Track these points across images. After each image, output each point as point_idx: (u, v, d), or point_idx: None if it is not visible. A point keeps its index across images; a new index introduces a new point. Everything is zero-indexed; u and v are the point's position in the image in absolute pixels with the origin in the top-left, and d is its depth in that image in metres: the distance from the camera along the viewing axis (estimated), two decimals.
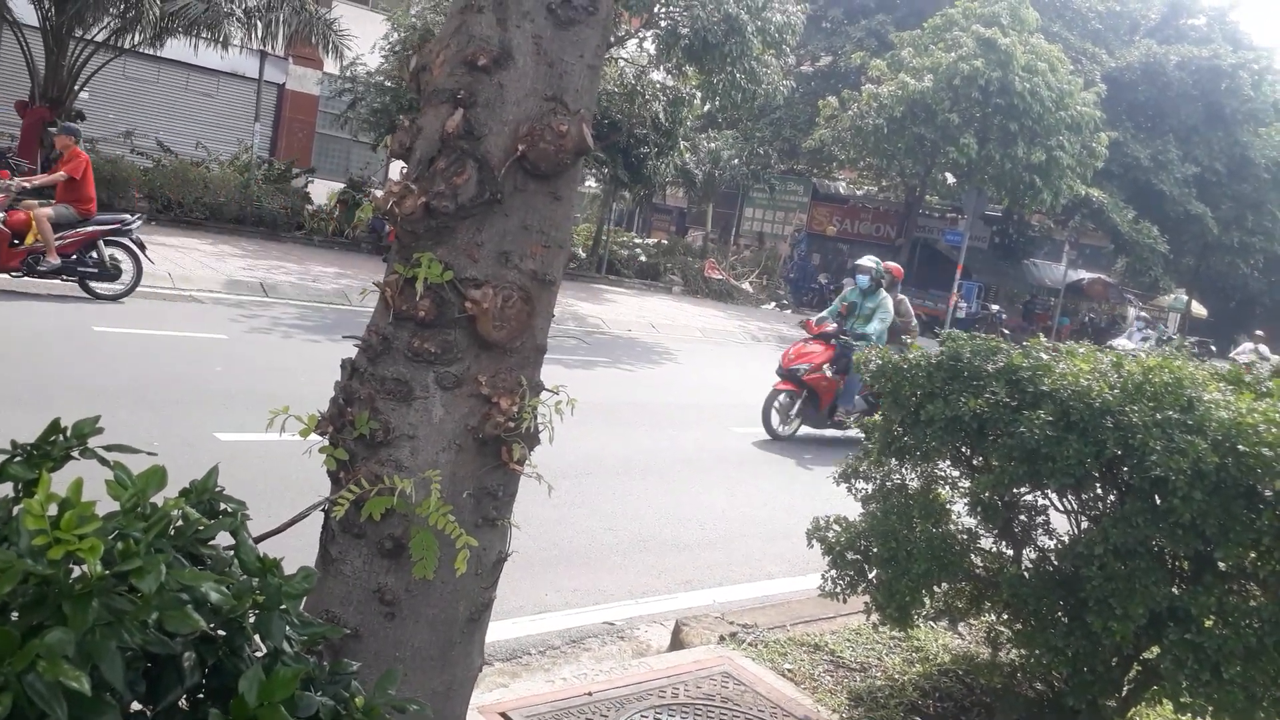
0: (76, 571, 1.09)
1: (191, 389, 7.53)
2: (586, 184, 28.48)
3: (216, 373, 8.30)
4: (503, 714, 3.46)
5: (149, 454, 1.37)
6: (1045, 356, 3.71)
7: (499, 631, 4.43)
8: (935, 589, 3.87)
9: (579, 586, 5.16)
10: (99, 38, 17.32)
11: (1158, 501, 3.21)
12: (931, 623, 4.20)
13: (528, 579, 5.06)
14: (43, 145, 17.15)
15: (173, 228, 17.26)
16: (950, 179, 25.94)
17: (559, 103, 2.10)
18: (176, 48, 18.56)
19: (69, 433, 1.28)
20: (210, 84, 23.40)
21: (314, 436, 2.20)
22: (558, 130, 2.08)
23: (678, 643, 4.47)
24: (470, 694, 2.39)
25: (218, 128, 23.28)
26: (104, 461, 1.27)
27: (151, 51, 18.54)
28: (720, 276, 27.64)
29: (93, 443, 1.29)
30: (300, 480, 4.51)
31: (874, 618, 3.93)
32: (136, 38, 17.64)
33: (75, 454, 1.29)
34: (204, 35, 17.75)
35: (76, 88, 17.77)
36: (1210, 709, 3.09)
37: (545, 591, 5.00)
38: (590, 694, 3.70)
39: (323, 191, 21.54)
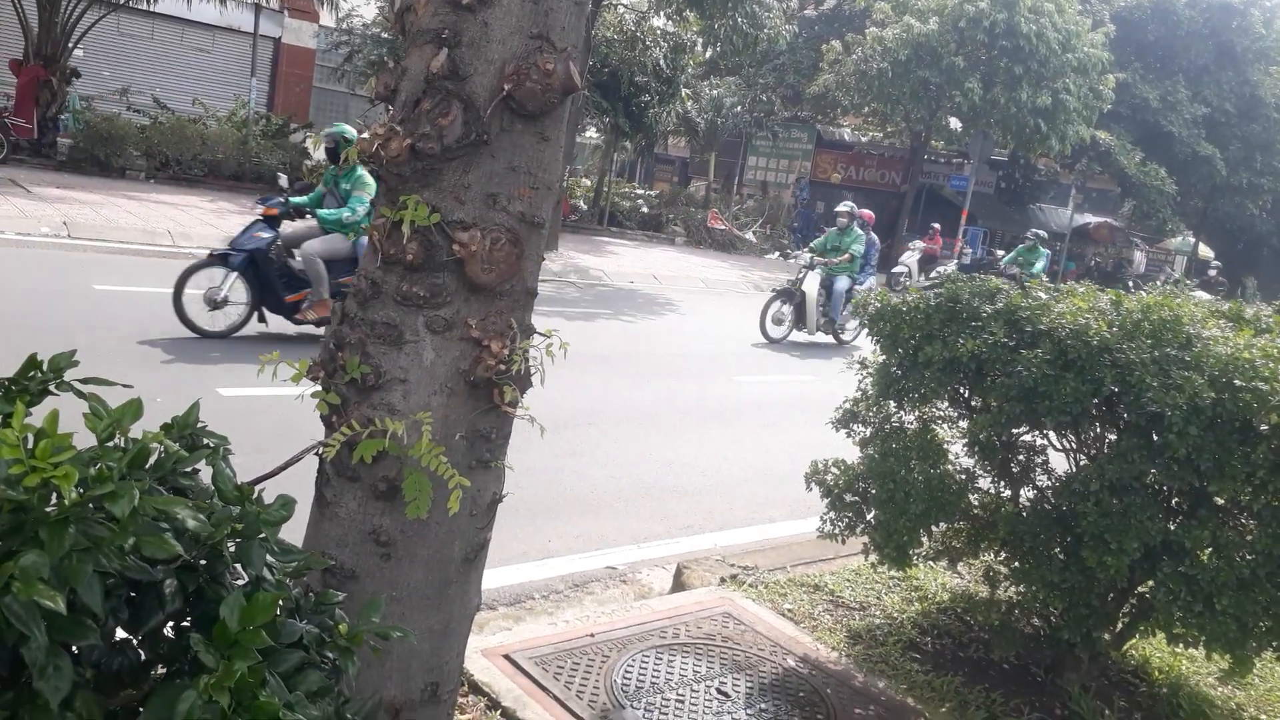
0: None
1: (194, 346, 7.56)
2: (587, 134, 28.28)
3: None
4: (506, 655, 3.51)
5: (124, 386, 1.38)
6: (1044, 296, 3.71)
7: (503, 576, 4.49)
8: (933, 529, 3.89)
9: (582, 532, 5.21)
10: None
11: (1154, 438, 3.22)
12: (930, 562, 4.24)
13: (531, 525, 5.11)
14: (38, 104, 17.05)
15: (171, 185, 17.20)
16: (955, 124, 25.64)
17: (545, 40, 2.07)
18: (170, 3, 18.36)
19: (46, 367, 1.29)
20: (205, 39, 23.15)
21: (309, 384, 2.21)
22: (544, 69, 2.05)
23: (679, 585, 4.52)
24: (468, 632, 2.42)
25: (214, 84, 23.07)
26: (80, 394, 1.28)
27: (146, 7, 18.33)
28: (723, 227, 27.48)
29: (69, 376, 1.30)
30: (304, 433, 4.55)
31: (872, 558, 3.97)
32: None
33: (52, 388, 1.30)
34: None
35: (71, 45, 17.62)
36: (1203, 639, 3.13)
37: (549, 538, 5.06)
38: (593, 635, 3.75)
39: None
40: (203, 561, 1.25)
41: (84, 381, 1.31)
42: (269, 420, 5.88)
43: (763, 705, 3.42)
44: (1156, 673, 4.06)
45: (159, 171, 17.62)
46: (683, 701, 3.37)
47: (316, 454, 2.17)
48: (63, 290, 8.86)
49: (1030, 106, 22.20)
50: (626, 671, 3.51)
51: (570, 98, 2.17)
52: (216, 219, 14.26)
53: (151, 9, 18.61)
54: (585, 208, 25.67)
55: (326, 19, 21.18)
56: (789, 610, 4.22)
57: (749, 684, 3.54)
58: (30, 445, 1.09)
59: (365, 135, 2.11)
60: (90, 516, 1.09)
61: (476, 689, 3.26)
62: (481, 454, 2.22)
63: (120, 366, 6.49)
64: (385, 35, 19.42)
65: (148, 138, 17.76)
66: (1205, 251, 36.65)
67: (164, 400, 5.80)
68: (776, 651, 3.82)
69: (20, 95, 17.01)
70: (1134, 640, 3.91)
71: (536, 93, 2.05)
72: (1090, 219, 33.25)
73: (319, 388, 2.19)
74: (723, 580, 4.45)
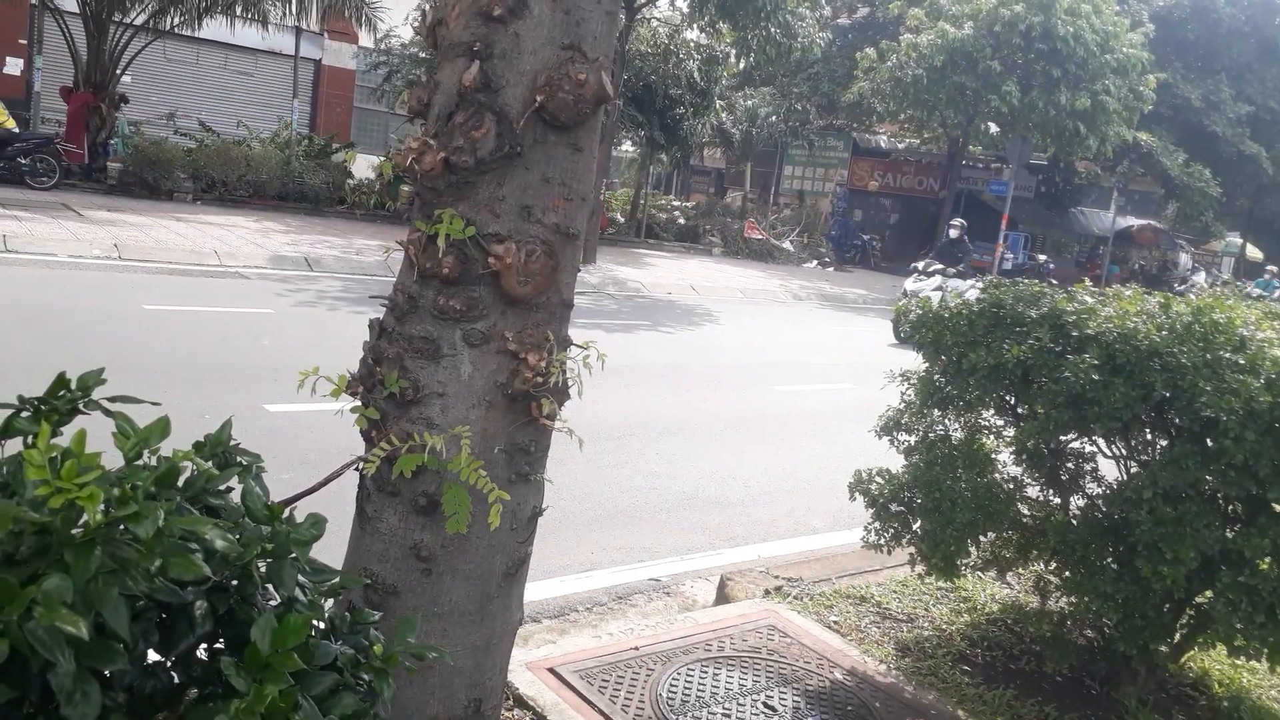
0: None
1: (240, 363, 7.65)
2: (623, 147, 28.39)
3: (264, 347, 8.42)
4: (551, 669, 3.49)
5: (152, 404, 1.38)
6: (1090, 300, 3.63)
7: (546, 590, 4.47)
8: (981, 538, 3.82)
9: (625, 544, 5.18)
10: (138, 21, 17.50)
11: (1208, 443, 3.13)
12: (978, 573, 4.15)
13: (574, 538, 5.09)
14: (88, 130, 17.44)
15: (217, 206, 17.50)
16: (993, 128, 25.37)
17: (577, 51, 2.07)
18: (214, 28, 18.73)
19: (74, 386, 1.28)
20: (248, 63, 23.60)
21: (350, 399, 2.22)
22: (576, 79, 2.04)
23: (723, 597, 4.47)
24: (510, 647, 2.40)
25: (257, 106, 23.50)
26: (108, 413, 1.27)
27: (190, 33, 18.70)
28: (760, 236, 27.41)
29: (98, 395, 1.30)
30: (350, 448, 4.59)
31: (919, 569, 3.89)
32: (176, 19, 17.81)
33: (81, 407, 1.30)
34: (241, 15, 17.88)
35: (119, 72, 18.01)
36: (1265, 651, 3.03)
37: (591, 550, 5.03)
38: (637, 648, 3.71)
39: (363, 165, 21.64)
40: (234, 582, 1.23)
41: (112, 400, 1.31)
42: (316, 436, 5.93)
43: (810, 719, 3.36)
44: (1217, 686, 3.94)
45: (205, 193, 17.93)
46: (729, 715, 3.32)
47: (357, 469, 2.17)
48: (114, 310, 9.02)
49: (1069, 109, 21.92)
50: (672, 685, 3.47)
51: (603, 108, 2.16)
52: (262, 239, 14.47)
53: (196, 35, 18.99)
54: (622, 220, 25.74)
55: (365, 40, 21.46)
56: (835, 622, 4.16)
57: (796, 697, 3.48)
58: (57, 466, 1.08)
59: (400, 150, 2.11)
60: (118, 538, 1.08)
61: (521, 703, 3.24)
62: (521, 467, 2.21)
63: (168, 385, 6.58)
64: (423, 55, 19.64)
65: (194, 160, 18.10)
66: (1254, 252, 35.92)
67: (210, 417, 5.89)
68: (823, 664, 3.76)
69: (71, 121, 17.42)
70: (1192, 652, 3.80)
71: (569, 103, 2.04)
72: (1133, 222, 32.69)
73: (358, 403, 2.19)
74: (767, 592, 4.40)
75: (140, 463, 1.22)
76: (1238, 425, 2.94)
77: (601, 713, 3.23)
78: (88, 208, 14.52)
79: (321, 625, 1.38)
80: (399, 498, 2.14)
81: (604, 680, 3.45)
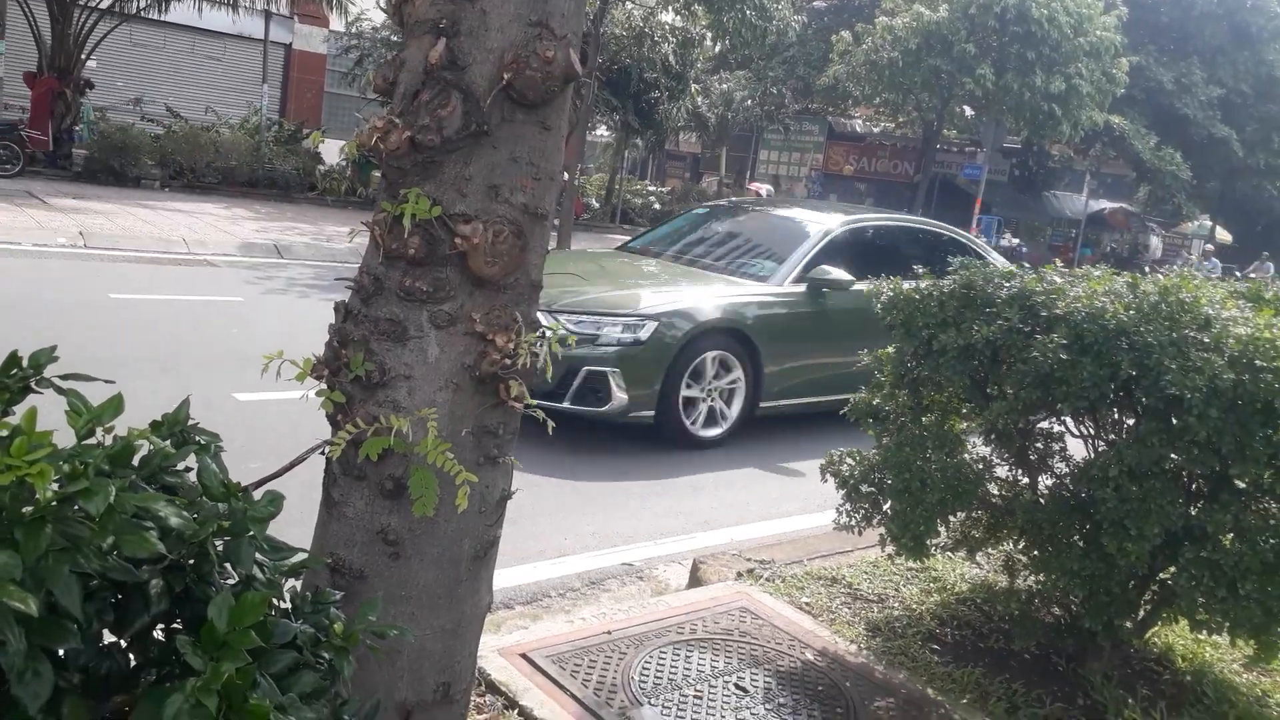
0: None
1: (209, 352, 7.58)
2: (598, 132, 28.30)
3: (233, 335, 8.34)
4: (524, 655, 3.49)
5: (106, 382, 1.37)
6: (1059, 280, 3.66)
7: (519, 576, 4.47)
8: (951, 518, 3.85)
9: (597, 530, 5.19)
10: (104, 4, 17.24)
11: (1173, 421, 3.16)
12: (948, 553, 4.19)
13: (546, 524, 5.09)
14: (53, 116, 17.18)
15: (186, 193, 17.31)
16: (968, 112, 25.47)
17: (545, 28, 2.05)
18: (182, 11, 18.48)
19: (25, 363, 1.27)
20: (217, 47, 23.32)
21: (317, 384, 2.20)
22: (544, 57, 2.03)
23: (696, 580, 4.49)
24: (480, 631, 2.40)
25: (226, 91, 23.25)
26: (60, 391, 1.26)
27: (157, 16, 18.46)
28: None
29: (50, 373, 1.28)
30: (320, 435, 4.54)
31: (889, 549, 3.92)
32: (142, 2, 17.56)
33: (33, 385, 1.28)
34: None
35: (84, 57, 17.74)
36: (1226, 624, 3.07)
37: (564, 536, 5.03)
38: (610, 632, 3.72)
39: (334, 151, 21.41)
40: (190, 561, 1.23)
41: (65, 378, 1.30)
42: (286, 424, 5.89)
43: (781, 700, 3.38)
44: (1180, 660, 4.00)
45: (173, 180, 17.73)
46: (701, 697, 3.34)
47: (322, 453, 2.16)
48: (80, 300, 8.91)
49: (1044, 92, 22.01)
50: (644, 668, 3.48)
51: (571, 86, 2.15)
52: (231, 226, 14.33)
53: (163, 18, 18.74)
54: (598, 206, 25.68)
55: (336, 24, 21.26)
56: (807, 604, 4.19)
57: (768, 678, 3.51)
58: (7, 443, 1.07)
59: (364, 129, 2.09)
60: (70, 515, 1.07)
61: (494, 688, 3.24)
62: (489, 450, 2.20)
63: (136, 374, 6.52)
64: (395, 38, 19.46)
65: (161, 147, 17.88)
66: (1223, 235, 36.31)
67: None
68: (795, 645, 3.78)
69: (35, 108, 17.16)
70: (1157, 628, 3.85)
71: (537, 81, 2.03)
72: (1105, 205, 33.00)
73: (324, 386, 2.18)
74: (739, 575, 4.42)
75: (93, 440, 1.21)
76: (1201, 403, 2.98)
77: (574, 696, 3.24)
78: (53, 195, 14.32)
79: (283, 604, 1.38)
80: (365, 482, 2.13)
81: (576, 664, 3.45)
